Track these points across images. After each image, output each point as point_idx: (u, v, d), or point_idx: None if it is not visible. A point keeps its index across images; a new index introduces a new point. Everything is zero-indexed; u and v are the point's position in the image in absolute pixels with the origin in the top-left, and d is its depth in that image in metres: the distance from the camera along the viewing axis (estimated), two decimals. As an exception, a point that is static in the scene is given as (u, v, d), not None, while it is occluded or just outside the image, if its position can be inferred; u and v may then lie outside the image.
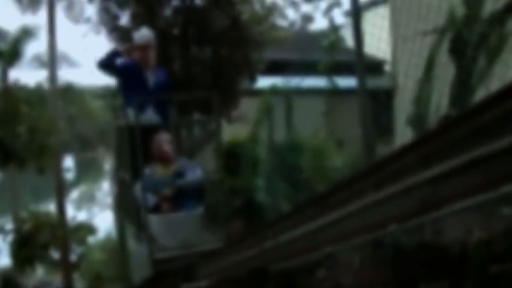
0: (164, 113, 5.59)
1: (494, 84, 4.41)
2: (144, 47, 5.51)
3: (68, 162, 29.84)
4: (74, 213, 15.46)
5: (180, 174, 5.09)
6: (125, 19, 8.51)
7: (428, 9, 4.81)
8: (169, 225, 4.83)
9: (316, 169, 6.01)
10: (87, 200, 23.79)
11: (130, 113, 5.06)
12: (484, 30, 4.43)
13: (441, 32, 4.73)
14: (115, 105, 8.25)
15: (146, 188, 4.87)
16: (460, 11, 4.63)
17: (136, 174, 4.97)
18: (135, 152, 4.82)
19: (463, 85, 4.67)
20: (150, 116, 5.40)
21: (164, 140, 5.12)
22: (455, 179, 1.87)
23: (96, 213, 18.67)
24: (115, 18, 8.44)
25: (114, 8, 8.39)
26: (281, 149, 7.95)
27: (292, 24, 12.43)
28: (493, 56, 4.45)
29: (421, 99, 4.92)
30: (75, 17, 10.16)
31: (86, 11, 9.52)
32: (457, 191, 1.87)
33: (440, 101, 4.85)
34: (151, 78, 5.54)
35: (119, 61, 5.51)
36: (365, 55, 6.18)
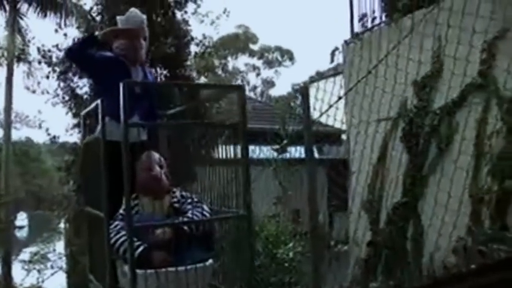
0: (153, 127, 4.12)
1: (446, 172, 4.51)
2: (133, 34, 3.92)
3: (22, 219, 28.95)
4: (24, 275, 14.83)
5: (178, 211, 3.58)
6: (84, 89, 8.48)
7: (381, 101, 4.94)
8: (165, 286, 3.23)
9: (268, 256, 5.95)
10: (39, 261, 22.93)
11: (112, 126, 3.41)
12: (435, 121, 4.56)
13: (394, 121, 4.86)
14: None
15: (130, 230, 3.16)
16: (412, 102, 4.77)
17: (113, 210, 3.45)
18: (112, 177, 3.27)
19: (415, 173, 4.76)
20: (134, 130, 3.73)
21: (154, 163, 3.65)
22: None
23: (48, 276, 17.95)
24: (73, 90, 8.42)
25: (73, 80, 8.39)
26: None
27: (253, 88, 12.71)
28: (444, 145, 4.56)
29: (375, 185, 4.99)
30: (32, 85, 10.08)
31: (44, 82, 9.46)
32: None
33: (395, 187, 4.92)
34: (139, 78, 3.98)
35: (97, 52, 3.95)
36: (323, 124, 6.31)
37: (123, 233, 3.33)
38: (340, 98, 3.90)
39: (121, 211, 3.48)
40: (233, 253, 3.67)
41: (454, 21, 4.36)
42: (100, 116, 3.39)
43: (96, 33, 4.16)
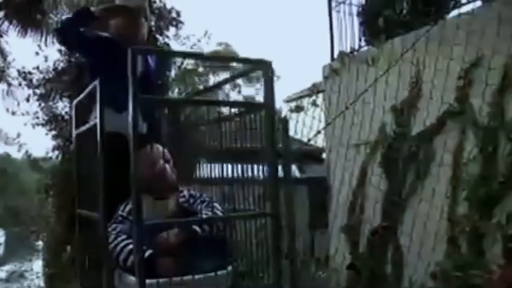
0: (152, 118, 3.55)
1: (425, 197, 4.57)
2: (133, 12, 3.45)
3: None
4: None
5: (187, 212, 3.14)
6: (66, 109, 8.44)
7: (361, 126, 5.01)
8: None
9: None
10: (16, 279, 22.58)
11: (108, 115, 2.86)
12: (413, 147, 4.64)
13: (373, 145, 4.92)
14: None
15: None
16: (391, 128, 4.85)
17: (110, 212, 2.97)
18: (109, 174, 2.78)
19: (394, 197, 4.82)
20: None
21: (158, 157, 3.17)
22: None
23: (25, 296, 17.70)
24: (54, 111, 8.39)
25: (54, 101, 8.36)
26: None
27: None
28: (422, 171, 4.63)
29: (355, 209, 5.03)
30: (12, 106, 9.98)
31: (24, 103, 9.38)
32: None
33: (374, 211, 4.97)
34: (139, 63, 3.22)
35: (92, 30, 3.46)
36: (304, 143, 6.36)
37: (124, 237, 2.89)
38: (319, 132, 3.95)
39: (120, 212, 3.04)
40: (257, 257, 3.24)
41: (431, 48, 4.47)
42: (98, 99, 2.81)
43: (92, 9, 3.57)
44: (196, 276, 2.68)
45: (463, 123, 4.30)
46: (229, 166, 3.22)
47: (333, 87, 5.55)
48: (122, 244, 2.87)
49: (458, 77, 4.34)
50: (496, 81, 4.03)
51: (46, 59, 9.06)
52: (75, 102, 3.54)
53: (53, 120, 8.46)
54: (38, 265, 21.33)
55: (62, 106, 8.57)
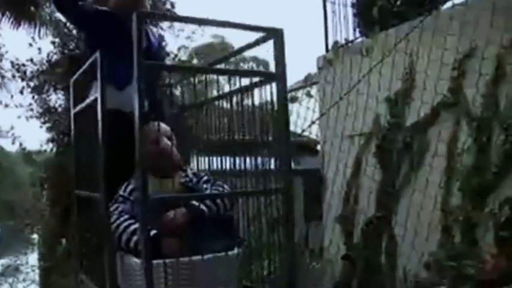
0: (154, 94, 3.39)
1: (419, 187, 4.59)
2: None
3: (-7, 230, 28.43)
4: (-5, 289, 14.60)
5: (192, 192, 3.01)
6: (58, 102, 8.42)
7: (355, 117, 5.02)
8: (189, 280, 2.54)
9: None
10: (11, 273, 22.54)
11: (108, 92, 2.73)
12: (408, 138, 4.64)
13: (367, 136, 4.93)
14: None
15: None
16: (385, 119, 4.85)
17: (111, 192, 2.81)
18: (110, 153, 2.64)
19: (388, 188, 4.83)
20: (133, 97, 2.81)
21: (161, 135, 3.02)
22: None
23: (20, 290, 17.66)
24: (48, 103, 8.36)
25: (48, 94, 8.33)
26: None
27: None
28: (417, 161, 4.64)
29: (349, 199, 5.05)
30: (5, 99, 9.92)
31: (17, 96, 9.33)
32: None
33: (368, 202, 4.98)
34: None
35: (91, 3, 3.32)
36: (299, 134, 6.38)
37: (126, 216, 2.79)
38: (313, 122, 3.96)
39: (121, 192, 2.94)
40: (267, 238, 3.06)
41: (425, 38, 4.47)
42: (98, 72, 2.66)
43: None
44: (205, 257, 2.54)
45: (457, 114, 4.31)
46: (237, 146, 3.18)
47: (327, 78, 5.56)
48: (124, 224, 2.76)
49: (452, 67, 4.34)
50: (490, 72, 4.04)
51: (40, 50, 9.03)
52: (73, 79, 3.42)
53: (47, 113, 8.43)
54: (33, 258, 21.29)
55: (56, 98, 8.55)
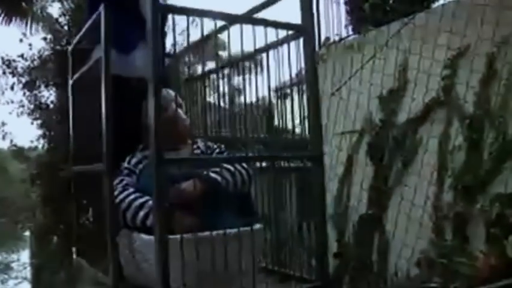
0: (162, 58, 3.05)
1: (410, 184, 4.59)
2: None
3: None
4: (-14, 286, 14.52)
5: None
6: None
7: (347, 114, 5.01)
8: (201, 256, 2.27)
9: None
10: (2, 271, 22.41)
11: (116, 57, 2.60)
12: (400, 135, 4.64)
13: (359, 133, 4.92)
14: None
15: (140, 185, 2.41)
16: (377, 116, 4.84)
17: (118, 162, 2.58)
18: (118, 119, 2.44)
19: (380, 185, 4.83)
20: (139, 63, 2.82)
21: (170, 102, 2.71)
22: None
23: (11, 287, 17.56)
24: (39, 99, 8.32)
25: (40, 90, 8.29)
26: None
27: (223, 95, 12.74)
28: (408, 159, 4.64)
29: (341, 197, 5.04)
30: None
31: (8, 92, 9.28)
32: None
33: (360, 199, 4.98)
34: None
35: None
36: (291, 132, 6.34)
37: (131, 190, 2.60)
38: (304, 118, 3.92)
39: (125, 164, 2.74)
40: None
41: (417, 35, 4.47)
42: (103, 30, 2.38)
43: None
44: (222, 232, 2.34)
45: (449, 111, 4.30)
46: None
47: (319, 74, 5.53)
48: (130, 197, 2.56)
49: (444, 65, 4.33)
50: (482, 69, 4.04)
51: (31, 46, 8.98)
52: (71, 47, 3.27)
53: (38, 109, 8.39)
54: (25, 256, 21.21)
55: (47, 95, 8.51)
